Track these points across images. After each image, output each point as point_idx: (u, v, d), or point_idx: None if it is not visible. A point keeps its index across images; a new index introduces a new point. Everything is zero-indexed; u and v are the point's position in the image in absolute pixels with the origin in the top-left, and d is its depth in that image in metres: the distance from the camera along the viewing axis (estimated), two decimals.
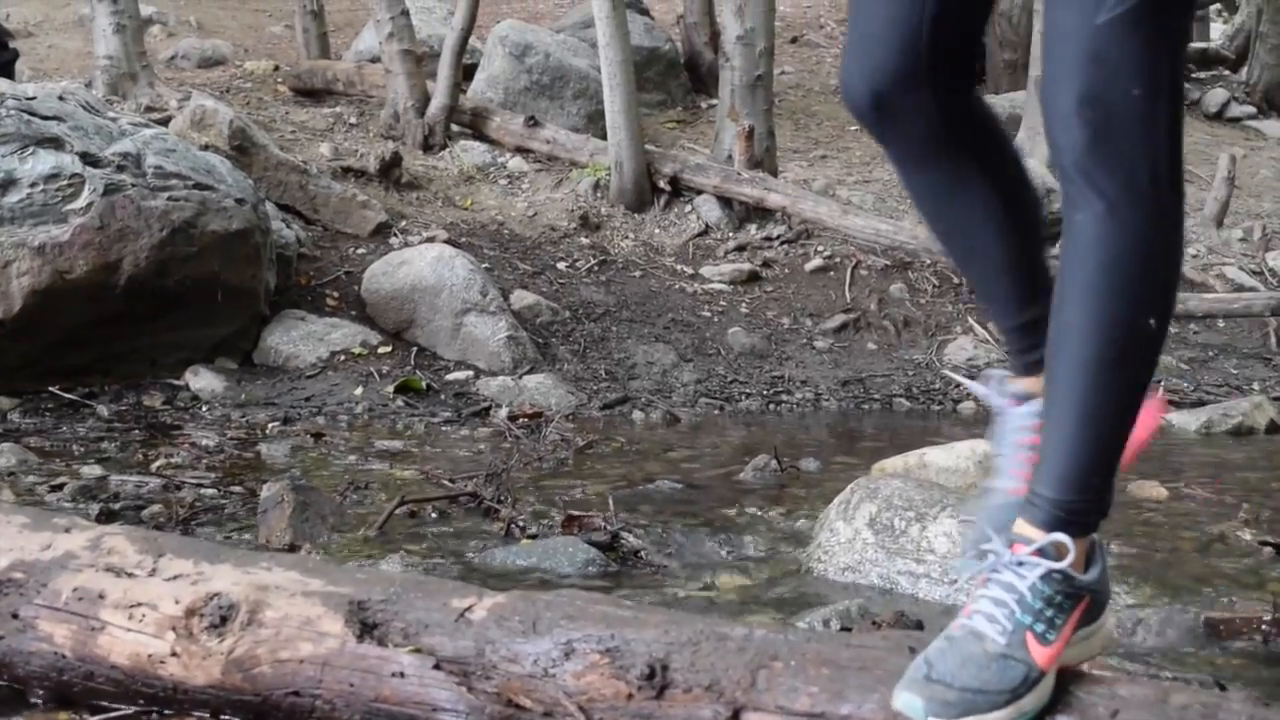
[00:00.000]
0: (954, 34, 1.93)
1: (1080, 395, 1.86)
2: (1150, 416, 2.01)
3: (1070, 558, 1.83)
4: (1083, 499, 1.86)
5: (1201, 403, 5.60)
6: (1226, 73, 12.38)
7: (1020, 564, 1.85)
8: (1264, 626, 2.88)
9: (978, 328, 6.48)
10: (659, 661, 2.02)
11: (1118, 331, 1.82)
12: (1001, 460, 2.02)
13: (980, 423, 5.26)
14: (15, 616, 2.36)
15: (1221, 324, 6.72)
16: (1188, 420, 5.34)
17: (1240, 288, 7.20)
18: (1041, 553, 1.84)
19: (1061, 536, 1.85)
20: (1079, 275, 1.82)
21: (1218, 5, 13.18)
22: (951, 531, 3.14)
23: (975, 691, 1.75)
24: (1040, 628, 1.81)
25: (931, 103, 1.94)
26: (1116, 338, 1.82)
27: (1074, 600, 1.85)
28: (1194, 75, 12.20)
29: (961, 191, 2.01)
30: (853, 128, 9.92)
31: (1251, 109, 11.54)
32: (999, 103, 9.65)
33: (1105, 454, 1.87)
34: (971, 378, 2.10)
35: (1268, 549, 3.53)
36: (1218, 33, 13.23)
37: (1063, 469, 1.86)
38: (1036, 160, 7.94)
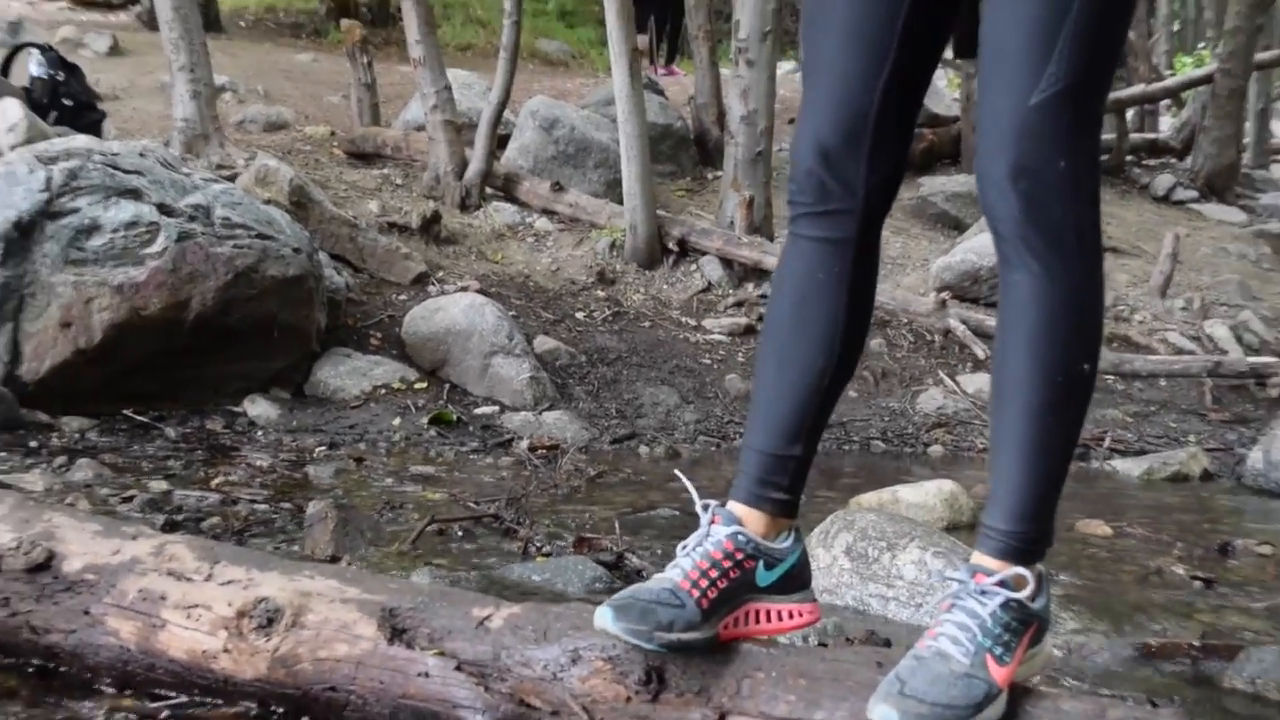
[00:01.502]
0: (896, 106, 1.96)
1: (1028, 436, 1.88)
2: (809, 616, 2.11)
3: (1029, 589, 1.85)
4: (1034, 529, 1.90)
5: (1143, 452, 5.60)
6: (1174, 161, 12.40)
7: (983, 593, 1.87)
8: (1192, 651, 2.90)
9: (947, 380, 6.49)
10: (655, 669, 2.02)
11: (1058, 378, 1.86)
12: (689, 562, 2.00)
13: (947, 465, 5.27)
14: (87, 613, 2.37)
15: (1163, 383, 6.73)
16: (1131, 467, 5.34)
17: (1180, 351, 7.22)
18: (1003, 584, 1.87)
19: (1021, 569, 1.88)
20: (1020, 330, 1.86)
21: (1167, 100, 13.18)
22: (919, 560, 3.15)
23: (944, 706, 1.76)
24: (999, 650, 1.83)
25: (871, 168, 1.98)
26: (1058, 384, 1.87)
27: (1026, 625, 1.88)
28: (1144, 162, 12.24)
29: (834, 304, 2.04)
30: None
31: (1195, 193, 11.57)
32: (970, 184, 9.66)
33: (1051, 487, 1.90)
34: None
35: (1197, 583, 3.55)
36: (1166, 125, 13.24)
37: (1014, 503, 1.89)
38: None
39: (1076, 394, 1.90)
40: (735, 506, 2.06)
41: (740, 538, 2.02)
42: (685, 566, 1.99)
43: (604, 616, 1.90)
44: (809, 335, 2.06)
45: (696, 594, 1.95)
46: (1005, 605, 1.85)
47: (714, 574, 1.98)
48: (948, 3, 1.99)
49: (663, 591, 1.95)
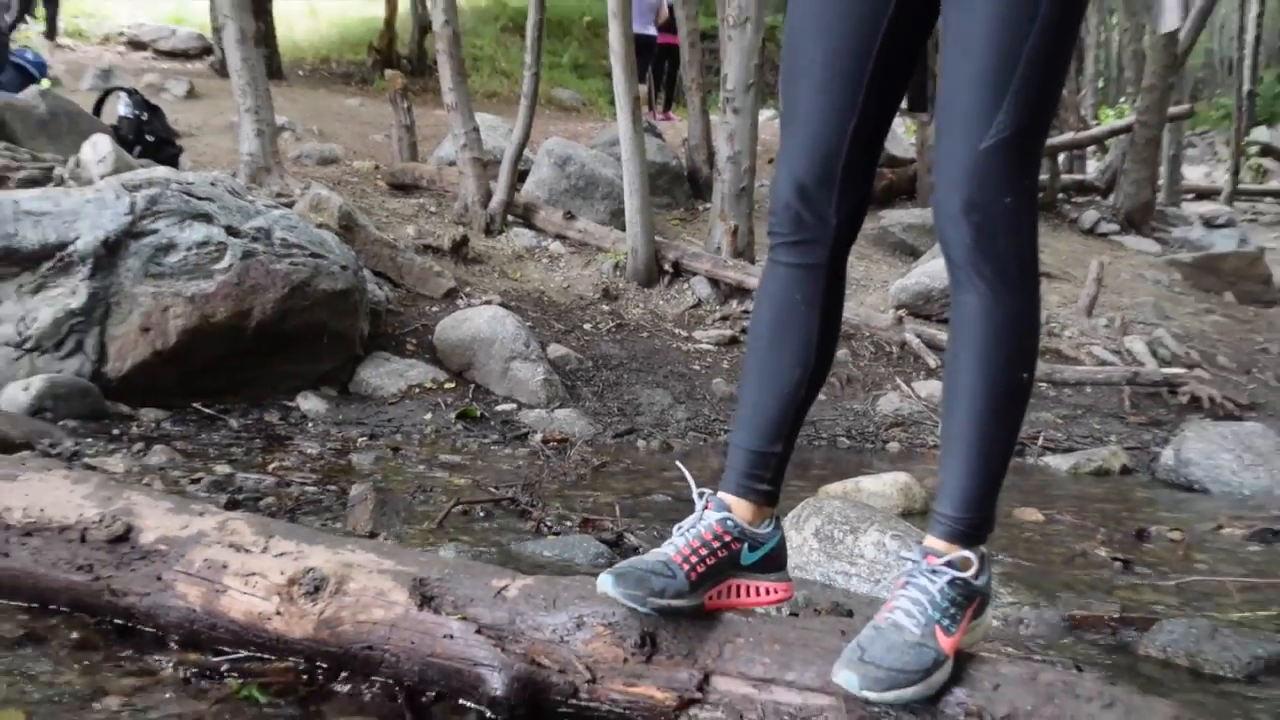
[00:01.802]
0: (862, 150, 1.99)
1: (974, 436, 1.90)
2: (783, 593, 2.13)
3: (972, 569, 1.86)
4: (978, 516, 1.92)
5: (1071, 449, 5.60)
6: (1098, 198, 12.43)
7: (934, 572, 1.89)
8: (1112, 623, 2.90)
9: (904, 386, 6.48)
10: (649, 634, 2.02)
11: (1001, 386, 1.89)
12: (683, 540, 2.02)
13: (903, 459, 5.27)
14: (159, 579, 2.36)
15: (1089, 390, 6.73)
16: (1060, 463, 5.33)
17: (1103, 363, 7.22)
18: (950, 564, 1.89)
19: (966, 552, 1.91)
20: (968, 343, 1.89)
21: (1093, 147, 13.20)
22: (878, 542, 3.14)
23: (898, 671, 1.78)
24: (946, 622, 1.85)
25: (839, 202, 2.01)
26: (1001, 391, 1.89)
27: (970, 600, 1.90)
28: (1073, 200, 12.26)
29: (808, 322, 2.06)
30: None
31: (1116, 227, 11.62)
32: (924, 217, 9.68)
33: (993, 480, 1.92)
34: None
35: (1117, 563, 3.54)
36: (1092, 168, 13.27)
37: (961, 493, 1.92)
38: None
39: (1016, 399, 1.93)
40: (725, 495, 2.09)
41: (729, 522, 2.04)
42: (679, 544, 2.01)
43: (605, 582, 1.92)
44: (786, 350, 2.08)
45: (687, 567, 1.98)
46: (951, 583, 1.88)
47: (704, 552, 2.01)
48: (904, 66, 2.02)
49: (657, 564, 1.98)
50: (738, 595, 2.06)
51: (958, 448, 1.94)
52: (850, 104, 1.97)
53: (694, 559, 1.99)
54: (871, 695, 1.78)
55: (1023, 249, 1.87)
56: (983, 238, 1.84)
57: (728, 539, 2.03)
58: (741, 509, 2.08)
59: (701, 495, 2.10)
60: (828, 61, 1.98)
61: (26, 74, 9.02)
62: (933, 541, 1.94)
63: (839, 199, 2.00)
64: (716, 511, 2.06)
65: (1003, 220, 1.83)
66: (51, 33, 14.14)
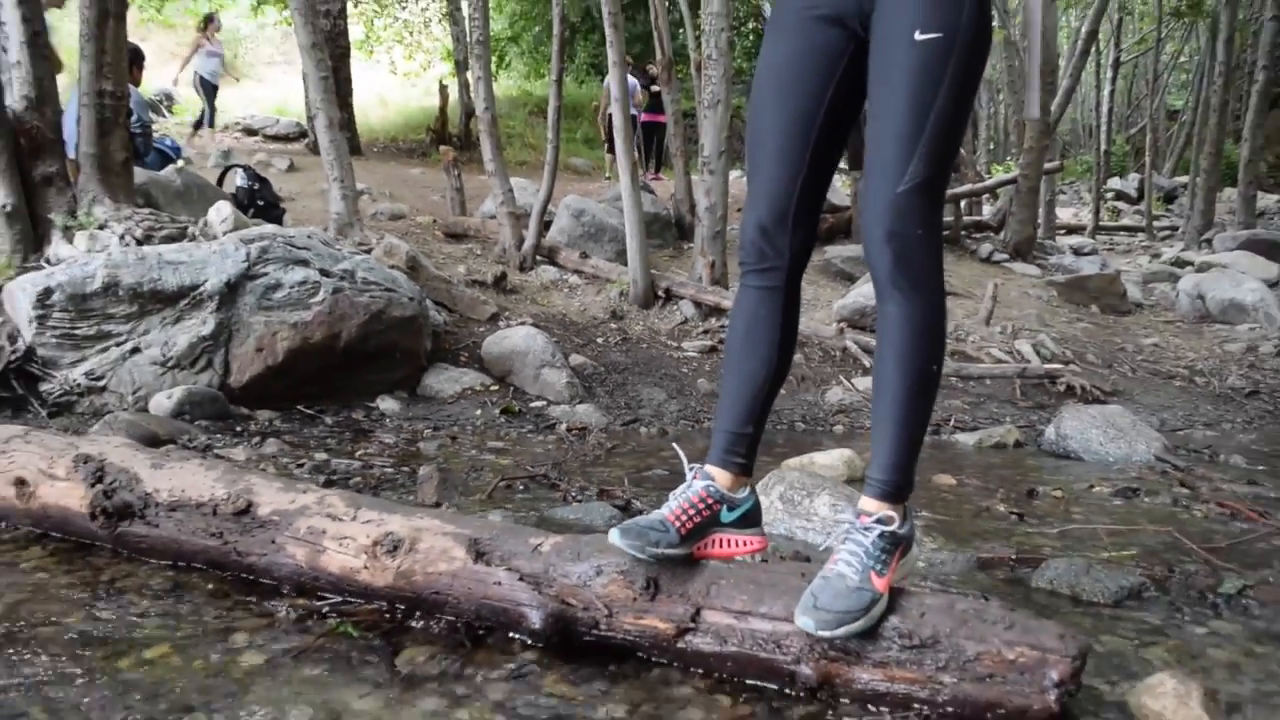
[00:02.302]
0: (811, 196, 2.03)
1: (896, 415, 1.93)
2: (758, 545, 2.12)
3: (895, 523, 1.87)
4: (900, 479, 1.94)
5: (976, 429, 5.58)
6: (992, 234, 12.41)
7: (866, 529, 1.91)
8: (1010, 562, 2.89)
9: (845, 382, 6.47)
10: (652, 579, 2.03)
11: (915, 376, 1.92)
12: (676, 504, 2.06)
13: (846, 439, 5.26)
14: (273, 542, 2.36)
15: (988, 382, 6.71)
16: (967, 439, 5.32)
17: (999, 361, 7.20)
18: (879, 520, 1.90)
19: (891, 510, 1.93)
20: (890, 343, 1.92)
21: (986, 195, 13.21)
22: (829, 503, 3.13)
23: (844, 612, 1.82)
24: (878, 567, 1.88)
25: (793, 239, 2.05)
26: (915, 379, 1.92)
27: (896, 546, 1.92)
28: (972, 235, 12.24)
29: (770, 333, 2.09)
30: None
31: (1006, 256, 11.63)
32: (859, 250, 9.68)
33: (912, 450, 1.95)
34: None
35: (1013, 516, 3.52)
36: (987, 211, 13.27)
37: (886, 460, 1.94)
38: None
39: (928, 386, 1.95)
40: (709, 468, 2.12)
41: (711, 488, 2.07)
42: (672, 506, 2.05)
43: (613, 536, 1.97)
44: (755, 353, 2.10)
45: (678, 524, 2.01)
46: (881, 535, 1.91)
47: (691, 512, 2.04)
48: (841, 135, 2.06)
49: (655, 521, 2.02)
50: (720, 546, 2.07)
51: (884, 425, 1.96)
52: (799, 163, 2.01)
53: (684, 517, 2.02)
54: (825, 634, 1.82)
55: (931, 269, 1.91)
56: (900, 260, 1.88)
57: (710, 501, 2.05)
58: (722, 478, 2.09)
59: (692, 469, 2.13)
60: (783, 130, 2.02)
61: (166, 156, 9.03)
62: (865, 502, 1.96)
63: (791, 235, 2.05)
64: (702, 480, 2.08)
65: (915, 246, 1.88)
66: (211, 123, 14.20)
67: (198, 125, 14.24)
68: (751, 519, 2.12)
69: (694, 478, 2.10)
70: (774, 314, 2.09)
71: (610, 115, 15.05)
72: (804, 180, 2.02)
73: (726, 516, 2.07)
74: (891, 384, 1.94)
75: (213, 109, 14.13)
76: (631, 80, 14.57)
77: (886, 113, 1.88)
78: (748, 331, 2.11)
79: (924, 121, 1.84)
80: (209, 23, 13.92)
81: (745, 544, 2.09)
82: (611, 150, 15.30)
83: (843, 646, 1.85)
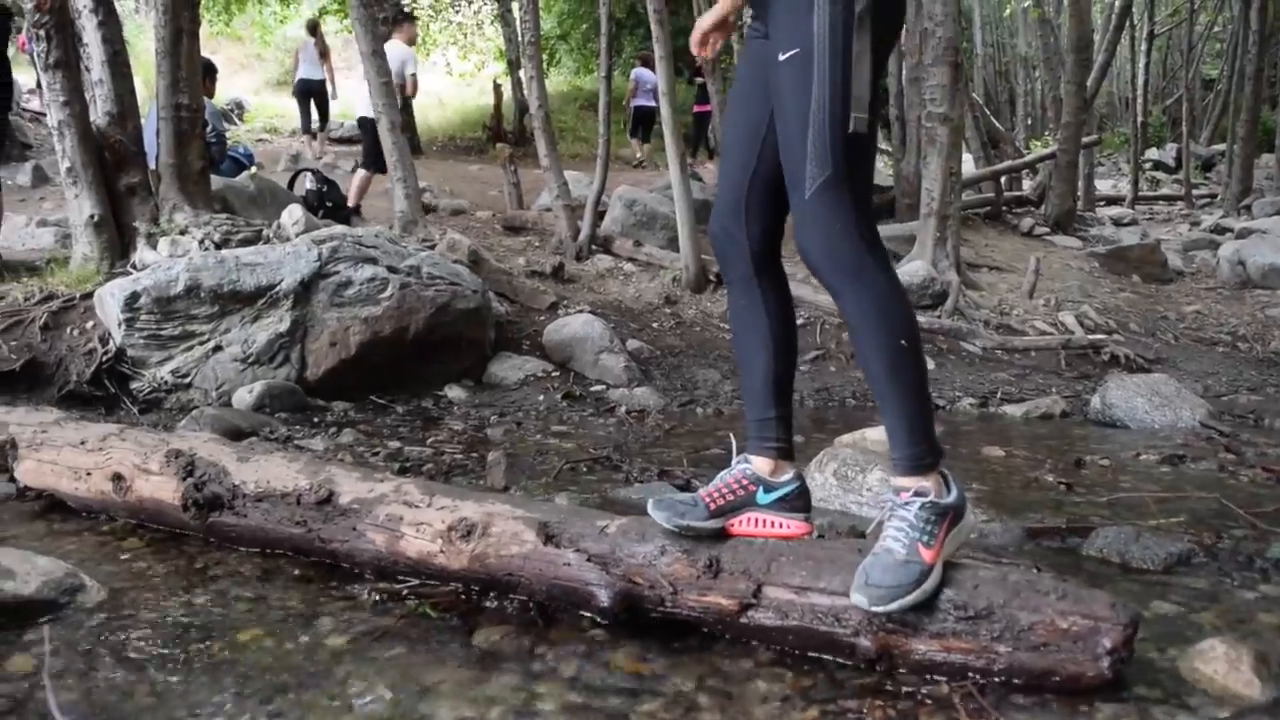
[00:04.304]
0: (764, 189, 2.08)
1: (885, 394, 1.95)
2: (797, 530, 2.08)
3: (932, 493, 1.89)
4: (918, 450, 1.94)
5: (1022, 400, 5.51)
6: (1032, 209, 12.19)
7: (905, 504, 1.91)
8: (1061, 532, 2.85)
9: None
10: (715, 557, 2.03)
11: (885, 352, 1.92)
12: (713, 484, 2.11)
13: None
14: (354, 529, 2.40)
15: (1033, 354, 6.61)
16: (1015, 411, 5.26)
17: (1043, 333, 7.09)
18: (917, 494, 1.90)
19: (924, 481, 1.92)
20: (857, 332, 1.96)
21: (1026, 170, 12.97)
22: (881, 479, 3.10)
23: (894, 586, 1.81)
24: (926, 539, 1.86)
25: (746, 232, 2.09)
26: (887, 359, 1.92)
27: (942, 516, 1.89)
28: (1014, 210, 12.03)
29: (757, 319, 2.11)
30: None
31: (1047, 229, 11.42)
32: (901, 229, 9.55)
33: (912, 423, 1.94)
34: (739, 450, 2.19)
35: (1062, 486, 3.48)
36: (1027, 185, 13.04)
37: (896, 438, 1.96)
38: (922, 262, 7.87)
39: (905, 361, 1.92)
40: (749, 455, 2.14)
41: (748, 471, 2.10)
42: (709, 487, 2.10)
43: (650, 506, 2.05)
44: (749, 342, 2.15)
45: (708, 500, 2.06)
46: (922, 507, 1.89)
47: (725, 490, 2.07)
48: None
49: (688, 497, 2.08)
50: (755, 525, 2.08)
51: (881, 406, 1.97)
52: (751, 160, 2.08)
53: (715, 495, 2.06)
54: (879, 609, 1.81)
55: (860, 256, 1.91)
56: (828, 258, 1.91)
57: (745, 482, 2.08)
58: (759, 463, 2.11)
59: (736, 453, 2.16)
60: (738, 137, 2.12)
61: (240, 164, 9.15)
62: (897, 480, 1.96)
63: (747, 225, 2.10)
64: (740, 464, 2.11)
65: (838, 240, 1.89)
66: (324, 126, 14.13)
67: (323, 125, 14.13)
68: (794, 505, 2.09)
69: (736, 462, 2.13)
70: (754, 302, 2.13)
71: (633, 104, 15.39)
72: (755, 173, 2.08)
73: (763, 498, 2.08)
74: (870, 369, 1.95)
75: (325, 112, 13.99)
76: (649, 73, 14.78)
77: (781, 126, 1.94)
78: (738, 323, 2.18)
79: (805, 128, 1.87)
80: (314, 30, 13.73)
81: (783, 526, 2.07)
82: (634, 135, 15.54)
83: (900, 619, 1.83)
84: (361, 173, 9.17)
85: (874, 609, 1.81)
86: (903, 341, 1.91)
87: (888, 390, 1.93)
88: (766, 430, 2.13)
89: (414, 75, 10.05)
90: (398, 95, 9.75)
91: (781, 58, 1.89)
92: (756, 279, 2.12)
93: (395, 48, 9.88)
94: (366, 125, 8.80)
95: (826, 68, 1.86)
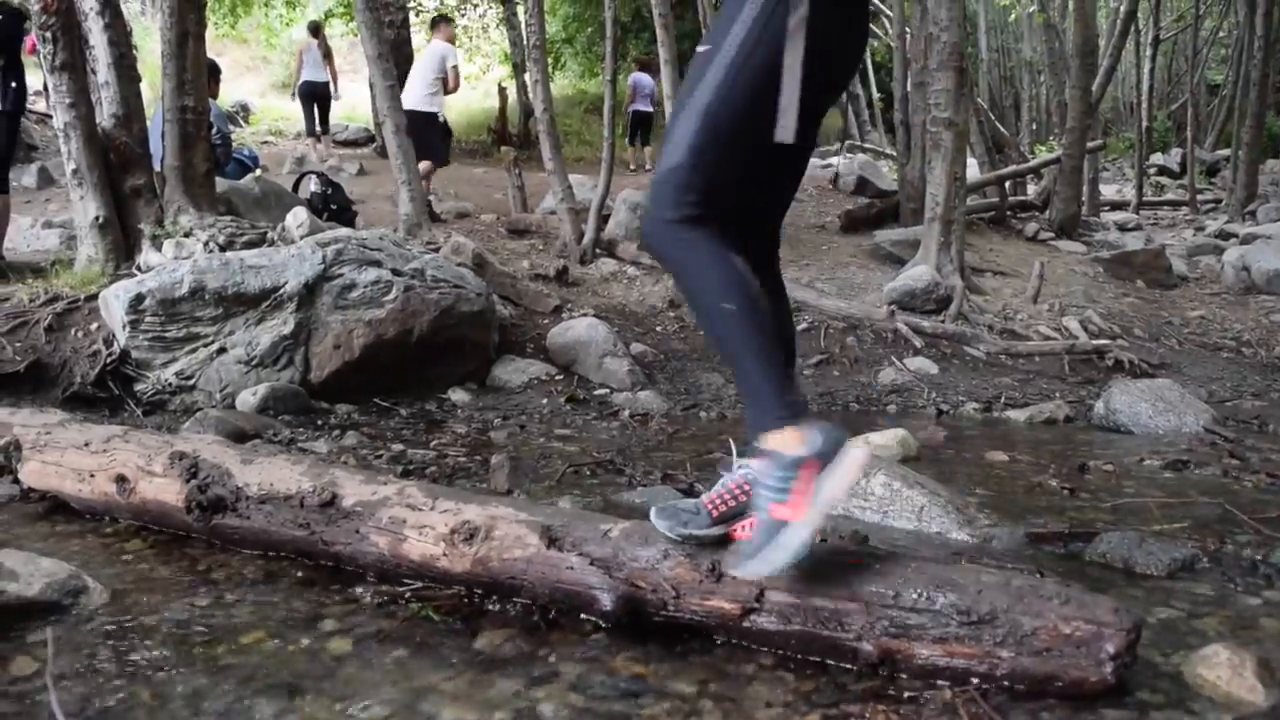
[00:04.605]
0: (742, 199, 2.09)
1: (727, 360, 2.03)
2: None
3: (781, 451, 1.89)
4: (760, 410, 1.95)
5: (1026, 405, 5.50)
6: (1037, 213, 12.17)
7: (761, 466, 1.93)
8: (1064, 537, 2.84)
9: (897, 362, 6.41)
10: (716, 561, 2.01)
11: (713, 316, 1.96)
12: (714, 490, 2.09)
13: (899, 418, 5.21)
14: (357, 532, 2.39)
15: (1037, 359, 6.61)
16: (1019, 415, 5.25)
17: (1047, 338, 7.09)
18: (767, 453, 1.92)
19: (772, 440, 1.92)
20: (689, 304, 2.06)
21: (1032, 175, 12.95)
22: (884, 483, 3.10)
23: (757, 546, 1.88)
24: (779, 496, 1.87)
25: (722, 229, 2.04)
26: (714, 319, 1.96)
27: (796, 467, 1.87)
28: (1018, 215, 12.01)
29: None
30: (824, 246, 9.88)
31: (1052, 234, 11.40)
32: (905, 234, 9.55)
33: (756, 382, 1.95)
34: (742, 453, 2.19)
35: (1065, 490, 3.47)
36: (1032, 190, 13.00)
37: (744, 399, 2.02)
38: (926, 266, 7.86)
39: (727, 323, 1.93)
40: (754, 459, 2.08)
41: (749, 475, 2.05)
42: (711, 493, 2.08)
43: (652, 514, 2.06)
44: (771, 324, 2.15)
45: (710, 507, 2.04)
46: (776, 466, 1.89)
47: (726, 496, 2.05)
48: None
49: (691, 504, 2.08)
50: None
51: (734, 375, 2.04)
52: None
53: (718, 501, 2.05)
54: (741, 573, 1.91)
55: (679, 241, 1.95)
56: (649, 236, 2.01)
57: (746, 487, 2.04)
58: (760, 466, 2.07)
59: (736, 456, 2.14)
60: None
61: (244, 166, 9.17)
62: (755, 441, 1.98)
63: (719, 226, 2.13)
64: (742, 470, 2.08)
65: (659, 228, 1.97)
66: (325, 131, 14.17)
67: (325, 130, 14.17)
68: None
69: (737, 468, 2.11)
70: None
71: (630, 110, 15.45)
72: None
73: None
74: (711, 341, 2.05)
75: (326, 114, 14.04)
76: (646, 78, 14.87)
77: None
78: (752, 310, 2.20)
79: (693, 118, 1.93)
80: (317, 32, 13.80)
81: None
82: (633, 142, 15.89)
83: (902, 623, 1.83)
84: (424, 165, 9.16)
85: (741, 569, 1.90)
86: (724, 305, 1.93)
87: (725, 355, 2.01)
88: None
89: (455, 67, 10.16)
90: (441, 90, 9.89)
91: (700, 49, 1.99)
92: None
93: (436, 45, 10.01)
94: (417, 119, 8.81)
95: (724, 68, 1.93)
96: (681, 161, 1.93)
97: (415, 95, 9.67)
